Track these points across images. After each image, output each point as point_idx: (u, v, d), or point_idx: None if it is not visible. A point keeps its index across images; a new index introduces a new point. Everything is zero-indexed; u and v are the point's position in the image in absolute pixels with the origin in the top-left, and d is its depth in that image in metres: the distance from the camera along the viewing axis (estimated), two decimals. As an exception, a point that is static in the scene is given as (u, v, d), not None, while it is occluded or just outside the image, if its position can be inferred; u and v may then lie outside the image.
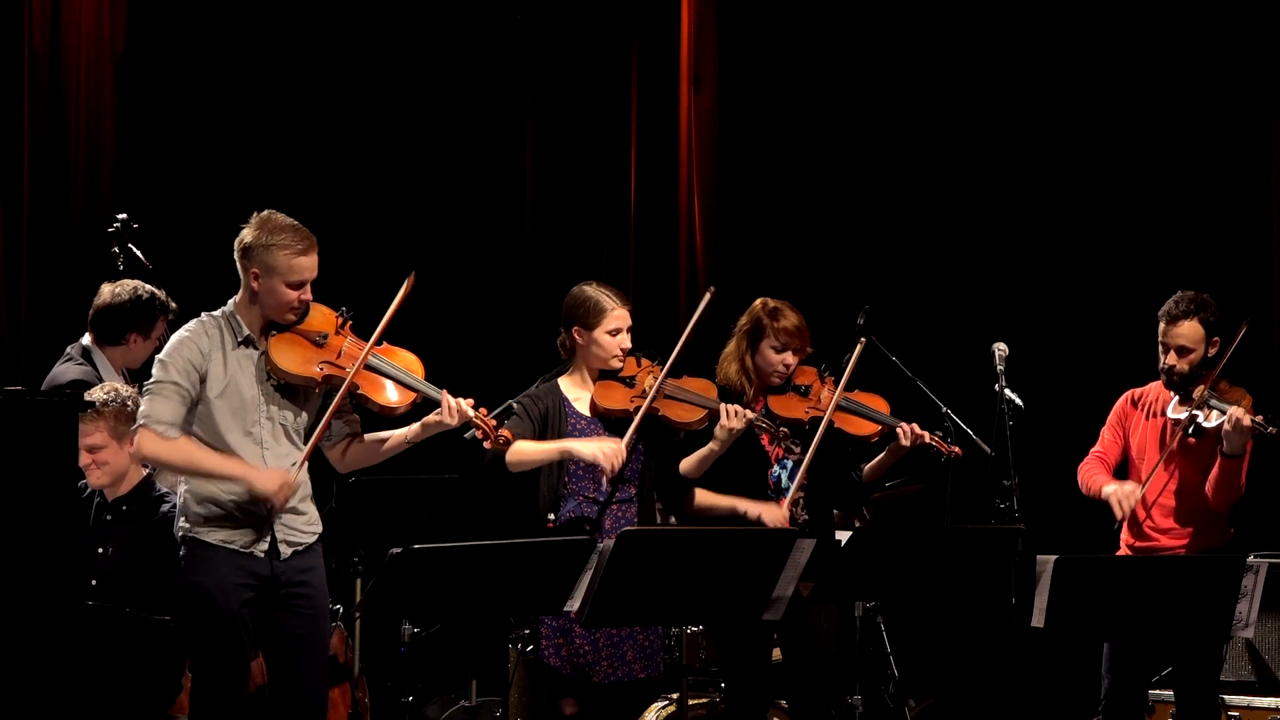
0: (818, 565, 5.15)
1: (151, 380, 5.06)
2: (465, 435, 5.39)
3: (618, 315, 5.60)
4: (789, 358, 5.83)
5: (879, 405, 5.89)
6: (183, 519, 5.09)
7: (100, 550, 5.61)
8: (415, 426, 5.18)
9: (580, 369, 5.67)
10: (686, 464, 5.70)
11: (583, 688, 5.50)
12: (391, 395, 5.12)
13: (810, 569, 5.10)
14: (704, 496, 5.77)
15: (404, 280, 5.12)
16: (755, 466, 5.83)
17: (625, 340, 5.62)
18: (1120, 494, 6.00)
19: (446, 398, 5.11)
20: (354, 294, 5.26)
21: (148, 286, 6.19)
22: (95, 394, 5.58)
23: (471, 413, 5.11)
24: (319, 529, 5.23)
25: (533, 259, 8.82)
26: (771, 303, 5.89)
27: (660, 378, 5.57)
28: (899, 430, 5.79)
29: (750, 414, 5.61)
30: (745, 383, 5.86)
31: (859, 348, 5.86)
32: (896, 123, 8.63)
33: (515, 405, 5.53)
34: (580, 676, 5.47)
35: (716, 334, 6.02)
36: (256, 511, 5.05)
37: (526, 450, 5.44)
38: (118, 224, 6.64)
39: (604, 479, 5.49)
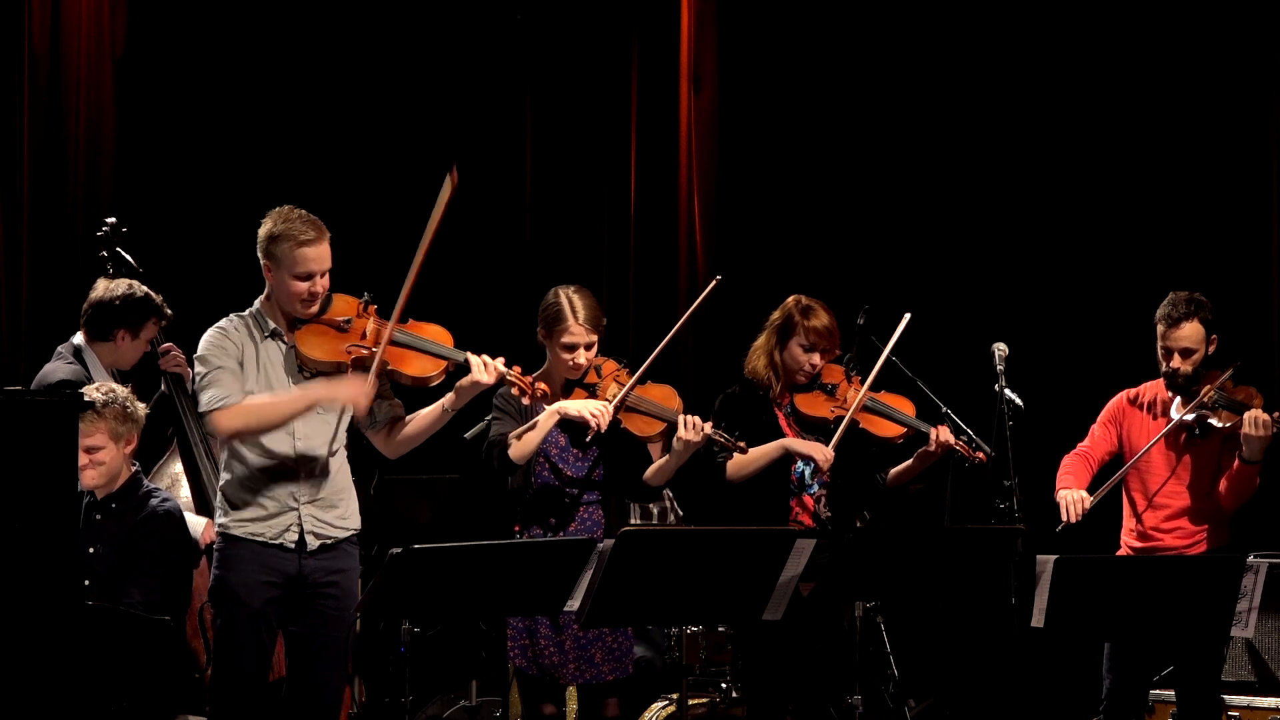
0: (832, 565, 5.15)
1: (199, 377, 5.06)
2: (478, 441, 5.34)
3: (573, 331, 5.45)
4: (816, 358, 5.80)
5: (905, 407, 5.88)
6: (220, 512, 5.12)
7: (91, 550, 5.60)
8: (450, 394, 5.17)
9: (554, 368, 5.58)
10: (648, 474, 5.59)
11: (559, 690, 5.48)
12: (423, 366, 5.12)
13: (811, 569, 5.09)
14: (740, 457, 5.64)
15: (445, 182, 5.06)
16: (779, 462, 5.79)
17: (579, 357, 5.47)
18: (1069, 499, 6.00)
19: (474, 357, 5.10)
20: (353, 294, 5.25)
21: (143, 287, 6.17)
22: (93, 394, 5.55)
23: (504, 369, 5.12)
24: (354, 525, 5.22)
25: (533, 259, 8.82)
26: (805, 300, 5.85)
27: (623, 392, 5.43)
28: (931, 434, 5.77)
29: (708, 427, 5.46)
30: (773, 377, 5.83)
31: (886, 350, 5.84)
32: (897, 123, 8.63)
33: (494, 402, 5.50)
34: (547, 678, 5.44)
35: (713, 329, 5.99)
36: (285, 501, 5.07)
37: (524, 438, 5.38)
38: (106, 228, 6.56)
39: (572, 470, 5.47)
